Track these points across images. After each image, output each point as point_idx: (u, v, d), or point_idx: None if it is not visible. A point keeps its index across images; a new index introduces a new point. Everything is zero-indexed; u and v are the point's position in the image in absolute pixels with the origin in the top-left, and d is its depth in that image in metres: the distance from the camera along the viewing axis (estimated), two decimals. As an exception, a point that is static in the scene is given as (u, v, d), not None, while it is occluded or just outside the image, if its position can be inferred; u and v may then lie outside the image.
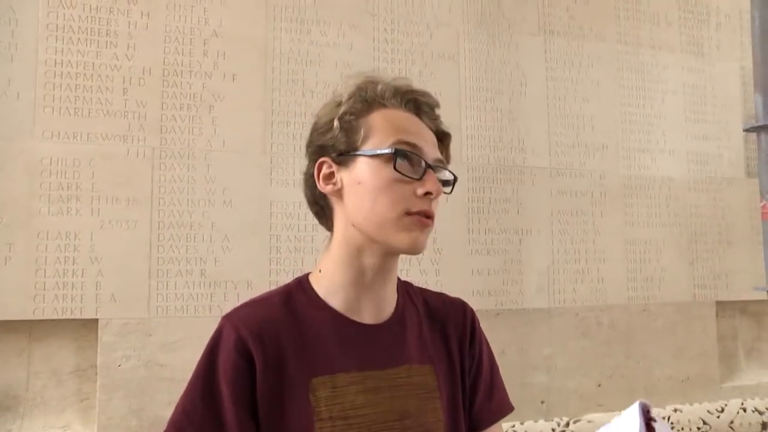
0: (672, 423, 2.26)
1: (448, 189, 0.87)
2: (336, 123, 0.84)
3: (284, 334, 0.82)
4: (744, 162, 2.59)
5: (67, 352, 1.74)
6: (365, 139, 0.83)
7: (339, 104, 0.86)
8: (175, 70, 1.88)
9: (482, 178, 2.19)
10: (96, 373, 1.73)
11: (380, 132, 0.83)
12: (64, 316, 1.71)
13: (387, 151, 0.81)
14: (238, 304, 0.87)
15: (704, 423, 2.31)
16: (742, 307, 2.57)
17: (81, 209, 1.75)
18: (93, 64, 1.81)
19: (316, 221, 0.93)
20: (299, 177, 0.93)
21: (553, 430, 2.13)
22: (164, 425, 0.79)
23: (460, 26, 2.24)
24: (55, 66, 1.77)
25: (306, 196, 0.92)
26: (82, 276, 1.73)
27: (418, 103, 0.88)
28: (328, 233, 0.91)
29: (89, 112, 1.79)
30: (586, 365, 2.25)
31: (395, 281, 0.90)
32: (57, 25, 1.78)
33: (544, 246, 2.25)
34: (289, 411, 0.79)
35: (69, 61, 1.79)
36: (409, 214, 0.81)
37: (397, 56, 2.14)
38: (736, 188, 2.55)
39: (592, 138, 2.37)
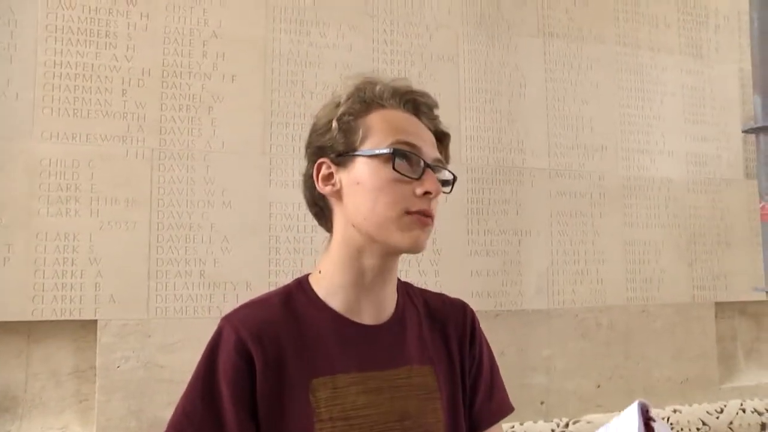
0: (671, 424, 2.26)
1: (447, 188, 0.88)
2: (334, 124, 0.84)
3: (284, 335, 0.82)
4: (743, 163, 2.59)
5: (66, 353, 1.74)
6: (364, 139, 0.83)
7: (338, 105, 0.86)
8: (175, 71, 1.88)
9: (481, 179, 2.19)
10: (95, 374, 1.73)
11: (379, 132, 0.83)
12: (63, 317, 1.71)
13: (386, 151, 0.81)
14: (238, 305, 0.87)
15: (703, 424, 2.31)
16: (741, 308, 2.57)
17: (80, 210, 1.75)
18: (92, 65, 1.81)
19: (315, 222, 0.93)
20: (298, 178, 0.93)
21: (553, 430, 2.13)
22: (164, 426, 0.79)
23: (460, 28, 2.24)
24: (55, 67, 1.77)
25: (305, 197, 0.92)
26: (81, 277, 1.73)
27: (417, 104, 0.88)
28: (327, 234, 0.91)
29: (88, 113, 1.79)
30: (585, 366, 2.25)
31: (395, 282, 0.90)
32: (56, 26, 1.78)
33: (544, 247, 2.25)
34: (289, 412, 0.79)
35: (68, 62, 1.79)
36: (408, 213, 0.81)
37: (397, 57, 2.14)
38: (734, 189, 2.56)
39: (591, 139, 2.37)
